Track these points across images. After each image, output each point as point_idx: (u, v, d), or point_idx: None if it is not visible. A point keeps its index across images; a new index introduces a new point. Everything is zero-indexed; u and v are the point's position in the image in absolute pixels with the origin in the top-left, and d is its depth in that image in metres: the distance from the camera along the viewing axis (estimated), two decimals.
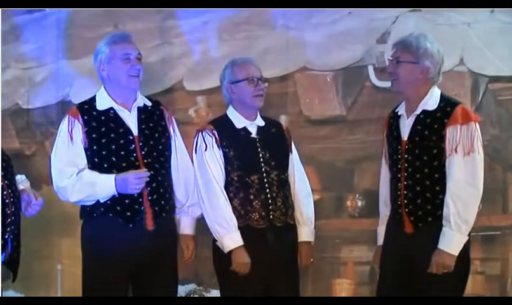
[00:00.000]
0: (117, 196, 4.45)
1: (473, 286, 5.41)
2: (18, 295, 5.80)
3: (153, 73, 5.95)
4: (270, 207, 4.59)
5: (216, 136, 4.62)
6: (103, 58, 4.54)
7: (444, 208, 4.35)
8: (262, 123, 4.69)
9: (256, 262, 4.54)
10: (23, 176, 4.59)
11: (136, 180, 4.41)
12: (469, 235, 4.40)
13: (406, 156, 4.46)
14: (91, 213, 4.53)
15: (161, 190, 4.55)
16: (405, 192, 4.45)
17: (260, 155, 4.62)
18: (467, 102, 5.45)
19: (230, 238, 4.55)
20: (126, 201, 4.47)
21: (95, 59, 4.59)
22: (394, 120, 4.58)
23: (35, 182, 4.82)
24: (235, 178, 4.60)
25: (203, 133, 4.63)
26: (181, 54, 6.01)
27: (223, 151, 4.60)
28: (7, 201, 4.35)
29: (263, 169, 4.60)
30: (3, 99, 6.14)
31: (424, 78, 4.45)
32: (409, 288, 4.45)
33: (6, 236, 4.34)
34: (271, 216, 4.59)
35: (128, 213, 4.49)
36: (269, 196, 4.60)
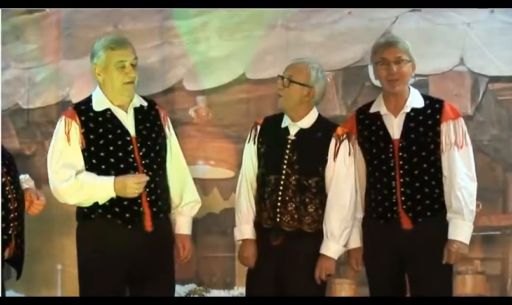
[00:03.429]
0: (115, 198, 4.44)
1: (473, 286, 5.42)
2: (19, 295, 5.81)
3: (153, 73, 5.95)
4: (279, 209, 4.59)
5: (258, 131, 4.71)
6: (99, 63, 4.52)
7: (453, 200, 4.45)
8: (306, 125, 4.65)
9: (263, 260, 4.60)
10: (27, 176, 4.59)
11: (135, 184, 4.40)
12: None
13: (400, 154, 4.49)
14: (89, 214, 4.51)
15: (159, 191, 4.53)
16: (402, 189, 4.50)
17: (286, 156, 4.60)
18: (467, 102, 5.46)
19: (239, 230, 4.69)
20: (125, 202, 4.45)
21: (91, 60, 4.58)
22: (372, 120, 4.61)
23: (36, 182, 4.81)
24: (260, 174, 4.66)
25: (253, 126, 4.75)
26: (181, 54, 6.01)
27: (257, 146, 4.68)
28: (9, 196, 4.36)
29: (283, 171, 4.59)
30: (3, 99, 6.14)
31: (412, 75, 4.59)
32: (408, 283, 4.51)
33: (10, 232, 4.35)
34: (278, 219, 4.59)
35: (127, 215, 4.47)
36: (279, 198, 4.59)
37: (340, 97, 5.70)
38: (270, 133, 4.70)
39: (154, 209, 4.51)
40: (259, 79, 5.80)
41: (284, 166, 4.60)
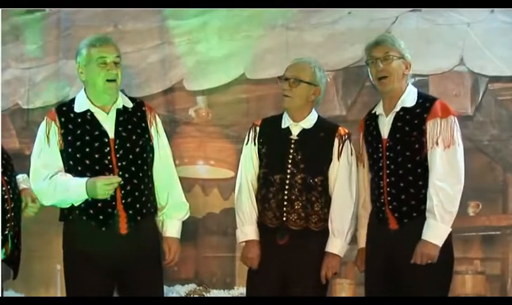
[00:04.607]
0: (90, 200, 4.42)
1: (473, 286, 5.42)
2: (18, 294, 5.81)
3: (153, 73, 5.95)
4: (285, 209, 4.59)
5: (257, 131, 4.71)
6: (81, 61, 4.51)
7: (428, 200, 4.40)
8: (308, 125, 4.66)
9: (267, 260, 4.60)
10: (25, 176, 4.59)
11: (105, 185, 4.37)
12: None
13: (387, 154, 4.50)
14: (68, 215, 4.53)
15: (136, 194, 4.49)
16: (388, 189, 4.49)
17: (290, 156, 4.61)
18: (467, 102, 5.46)
19: (242, 231, 4.68)
20: (99, 204, 4.44)
21: (75, 60, 4.56)
22: (371, 120, 4.62)
23: None
24: (261, 174, 4.66)
25: (251, 127, 4.75)
26: (181, 54, 6.01)
27: (258, 147, 4.67)
28: (5, 196, 4.35)
29: (288, 170, 4.59)
30: (3, 99, 6.13)
31: (406, 73, 4.53)
32: (397, 285, 4.48)
33: (6, 232, 4.34)
34: (284, 218, 4.59)
35: (101, 217, 4.45)
36: (285, 197, 4.59)
37: (340, 97, 5.70)
38: (271, 134, 4.70)
39: (130, 211, 4.47)
40: (259, 79, 5.79)
41: (289, 165, 4.60)
